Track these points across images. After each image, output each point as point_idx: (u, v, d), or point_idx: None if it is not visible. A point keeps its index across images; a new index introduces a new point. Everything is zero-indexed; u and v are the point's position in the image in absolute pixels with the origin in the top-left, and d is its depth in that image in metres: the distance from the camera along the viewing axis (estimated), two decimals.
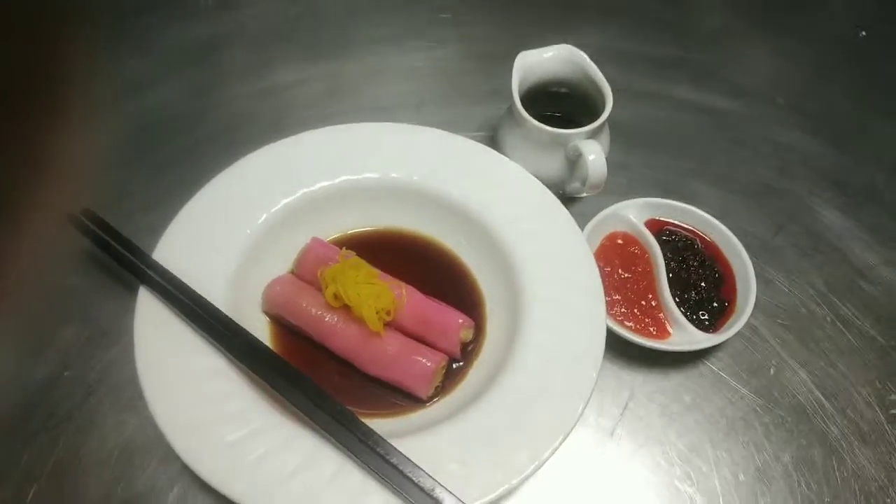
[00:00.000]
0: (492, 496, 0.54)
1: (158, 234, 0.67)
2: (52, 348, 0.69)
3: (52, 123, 0.87)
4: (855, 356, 0.72)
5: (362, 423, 0.57)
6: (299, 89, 0.92)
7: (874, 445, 0.67)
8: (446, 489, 0.53)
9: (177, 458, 0.54)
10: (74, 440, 0.64)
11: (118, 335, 0.69)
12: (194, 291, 0.63)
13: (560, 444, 0.56)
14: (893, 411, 0.69)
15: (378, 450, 0.55)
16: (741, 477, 0.64)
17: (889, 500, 0.63)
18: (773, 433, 0.67)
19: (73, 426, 0.64)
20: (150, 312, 0.62)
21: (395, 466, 0.54)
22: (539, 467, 0.56)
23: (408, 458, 0.55)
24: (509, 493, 0.55)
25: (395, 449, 0.55)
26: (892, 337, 0.74)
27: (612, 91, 0.74)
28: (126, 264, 0.66)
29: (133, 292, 0.63)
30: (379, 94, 0.93)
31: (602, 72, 0.75)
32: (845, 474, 0.65)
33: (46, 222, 0.78)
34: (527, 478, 0.55)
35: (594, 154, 0.69)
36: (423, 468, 0.54)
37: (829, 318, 0.75)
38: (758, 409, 0.68)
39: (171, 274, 0.64)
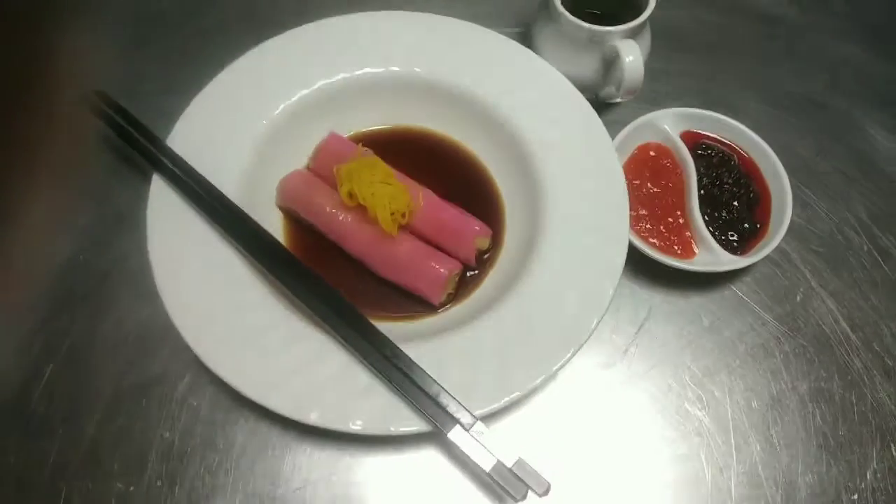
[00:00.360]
0: (495, 406, 0.53)
1: (175, 119, 0.65)
2: (67, 231, 0.69)
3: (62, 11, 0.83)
4: (889, 289, 0.69)
5: (370, 323, 0.57)
6: None
7: None
8: (451, 395, 0.53)
9: (188, 346, 0.55)
10: (89, 324, 0.65)
11: (134, 221, 0.68)
12: (208, 181, 0.62)
13: (570, 358, 0.55)
14: None
15: (385, 352, 0.55)
16: (754, 404, 0.63)
17: None
18: (792, 362, 0.65)
19: (88, 310, 0.65)
20: (162, 201, 0.61)
21: (400, 369, 0.54)
22: (546, 381, 0.55)
23: (413, 362, 0.54)
24: (514, 404, 0.55)
25: (402, 352, 0.55)
26: None
27: None
28: (140, 149, 0.64)
29: (149, 178, 0.62)
30: None
31: None
32: (863, 409, 0.63)
33: (61, 104, 0.76)
34: (532, 391, 0.55)
35: (632, 56, 0.64)
36: (430, 374, 0.54)
37: (866, 248, 0.71)
38: (780, 336, 0.66)
39: (185, 162, 0.63)
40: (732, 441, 0.61)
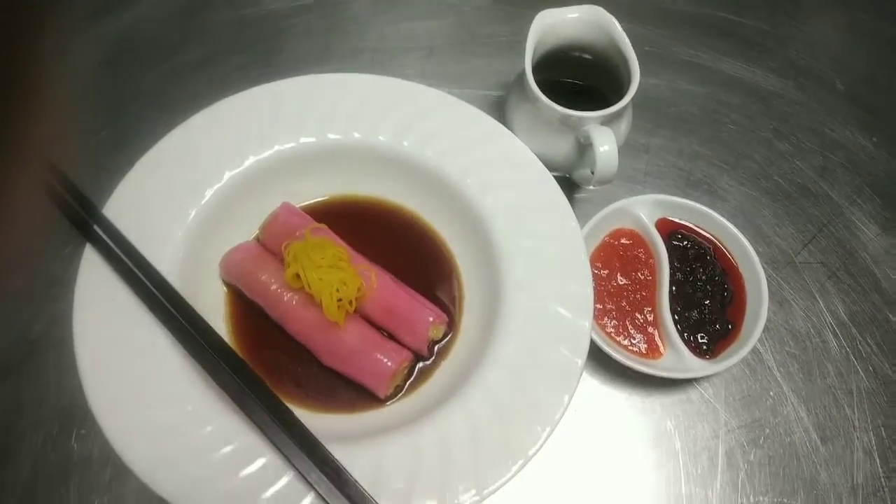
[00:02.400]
0: None
1: (121, 178, 0.61)
2: None
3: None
4: (865, 399, 0.66)
5: (298, 422, 0.53)
6: (296, 20, 0.82)
7: (865, 501, 0.61)
8: None
9: None
10: (11, 396, 0.61)
11: (68, 285, 0.64)
12: (141, 255, 0.58)
13: (510, 478, 0.51)
14: (895, 465, 0.63)
15: (315, 455, 0.51)
16: None
17: None
18: (756, 474, 0.62)
19: (11, 383, 0.61)
20: (93, 274, 0.57)
21: (329, 474, 0.50)
22: (489, 495, 0.52)
23: (345, 470, 0.50)
24: None
25: (332, 457, 0.51)
26: None
27: (647, 56, 0.64)
28: (71, 216, 0.60)
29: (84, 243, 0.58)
30: (386, 34, 0.82)
31: (639, 33, 0.65)
32: None
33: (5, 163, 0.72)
34: None
35: (606, 146, 0.60)
36: (362, 484, 0.50)
37: (843, 352, 0.68)
38: (745, 444, 0.63)
39: (120, 233, 0.58)
40: None
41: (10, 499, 0.57)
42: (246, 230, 0.65)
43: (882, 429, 0.64)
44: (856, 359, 0.67)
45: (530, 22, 0.65)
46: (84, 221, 0.59)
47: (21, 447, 0.59)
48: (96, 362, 0.54)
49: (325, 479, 0.50)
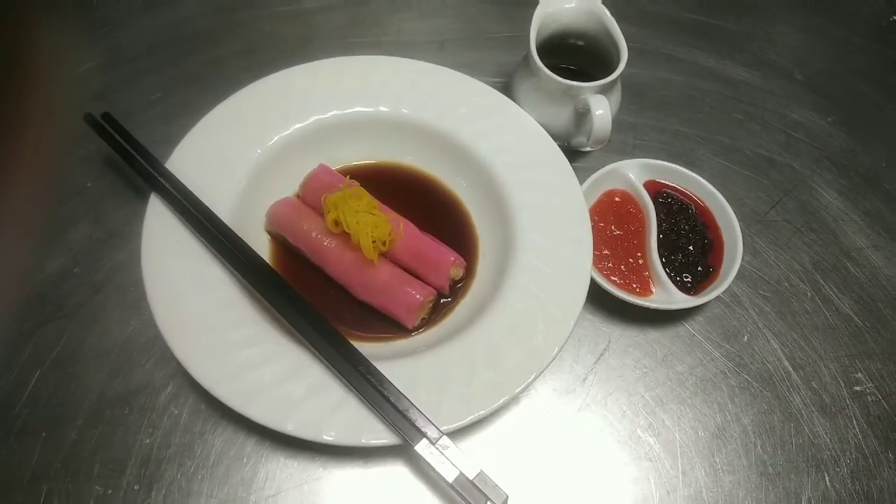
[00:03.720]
0: (460, 423, 0.57)
1: (174, 146, 0.70)
2: (63, 245, 0.73)
3: (71, 37, 0.88)
4: (829, 333, 0.75)
5: (347, 341, 0.61)
6: (325, 16, 0.93)
7: (833, 417, 0.70)
8: (419, 410, 0.57)
9: (173, 358, 0.59)
10: (78, 333, 0.68)
11: (127, 238, 0.72)
12: (202, 203, 0.66)
13: (531, 382, 0.60)
14: (857, 388, 0.72)
15: (359, 367, 0.59)
16: (701, 433, 0.68)
17: (839, 470, 0.67)
18: (737, 395, 0.70)
19: (78, 320, 0.69)
20: (158, 219, 0.65)
21: (373, 384, 0.58)
22: (509, 403, 0.59)
23: (385, 378, 0.58)
24: (478, 422, 0.59)
25: (375, 368, 0.59)
26: (868, 318, 0.76)
27: (632, 51, 0.74)
28: (139, 170, 0.68)
29: (144, 199, 0.66)
30: (403, 30, 0.93)
31: (625, 31, 0.75)
32: (800, 441, 0.68)
33: (65, 122, 0.80)
34: (496, 411, 0.59)
35: (601, 109, 0.71)
36: (400, 390, 0.58)
37: (809, 294, 0.77)
38: (727, 371, 0.72)
39: (182, 184, 0.67)
40: (680, 466, 0.66)
41: (76, 420, 0.64)
42: (286, 188, 0.74)
43: (844, 358, 0.73)
44: (820, 300, 0.77)
45: (529, 20, 0.75)
46: (151, 174, 0.67)
47: (87, 378, 0.66)
48: (163, 294, 0.62)
49: (370, 388, 0.58)
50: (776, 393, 0.71)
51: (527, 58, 0.76)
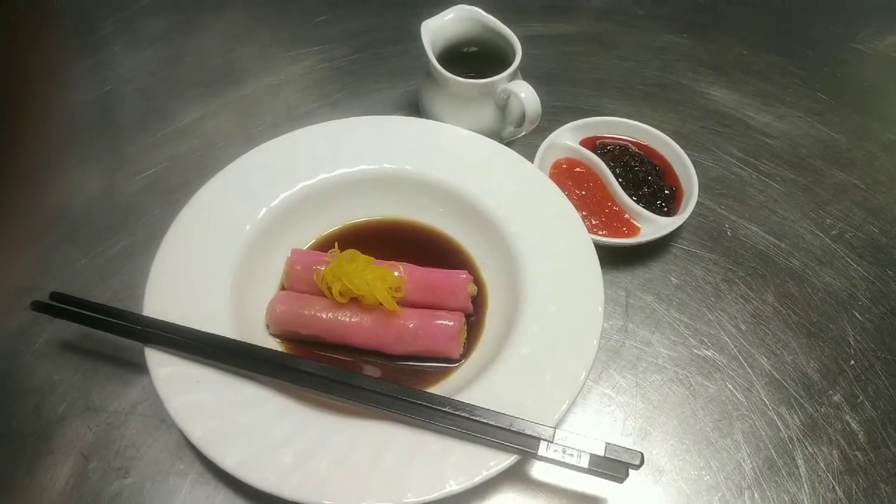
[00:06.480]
0: (561, 411, 0.57)
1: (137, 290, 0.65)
2: (65, 450, 0.64)
3: None
4: (787, 200, 0.83)
5: (421, 391, 0.59)
6: (212, 122, 0.90)
7: (830, 263, 0.77)
8: (523, 419, 0.56)
9: None
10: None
11: (127, 413, 0.66)
12: (202, 332, 0.61)
13: (595, 356, 0.61)
14: (834, 232, 0.80)
15: (445, 409, 0.57)
16: (742, 326, 0.72)
17: (861, 302, 0.73)
18: (752, 282, 0.75)
19: None
20: (165, 368, 0.60)
21: (465, 418, 0.56)
22: (587, 377, 0.60)
23: (476, 406, 0.57)
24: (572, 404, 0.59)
25: (460, 402, 0.57)
26: (808, 175, 0.85)
27: None
28: (120, 330, 0.62)
29: (119, 364, 0.65)
30: (291, 105, 0.92)
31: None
32: (820, 294, 0.74)
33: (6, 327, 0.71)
34: (581, 387, 0.59)
35: (525, 91, 0.74)
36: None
37: (753, 177, 0.85)
38: (731, 267, 0.77)
39: (170, 324, 0.62)
40: (744, 362, 0.69)
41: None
42: (270, 285, 0.71)
43: (811, 213, 0.82)
44: (765, 177, 0.85)
45: (402, 56, 0.78)
46: (133, 331, 0.62)
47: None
48: (206, 434, 0.56)
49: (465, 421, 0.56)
50: (778, 266, 0.77)
51: (430, 75, 0.79)
